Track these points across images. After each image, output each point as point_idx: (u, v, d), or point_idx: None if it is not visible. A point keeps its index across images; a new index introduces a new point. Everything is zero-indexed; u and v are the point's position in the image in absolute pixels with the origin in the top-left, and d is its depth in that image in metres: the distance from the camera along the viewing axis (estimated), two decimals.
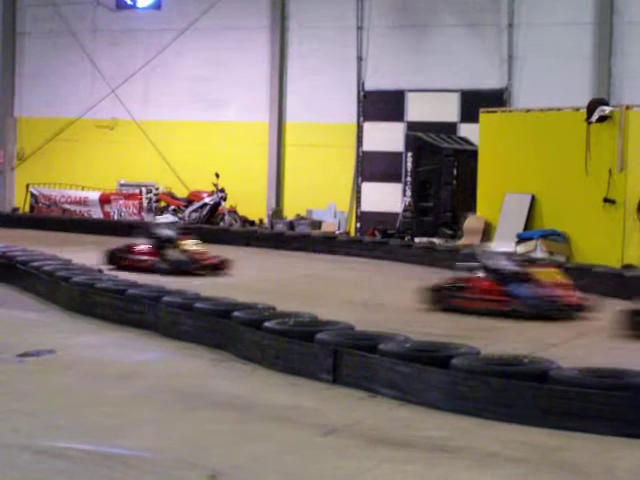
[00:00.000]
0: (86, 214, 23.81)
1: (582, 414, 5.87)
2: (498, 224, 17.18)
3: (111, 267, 13.55)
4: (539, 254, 15.66)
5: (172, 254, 13.78)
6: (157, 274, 13.13)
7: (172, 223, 15.71)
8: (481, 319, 10.54)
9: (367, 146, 22.15)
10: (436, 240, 18.29)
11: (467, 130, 20.58)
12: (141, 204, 23.33)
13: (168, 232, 14.39)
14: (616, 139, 15.67)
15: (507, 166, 17.37)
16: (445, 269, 15.48)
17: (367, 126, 22.16)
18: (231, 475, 4.94)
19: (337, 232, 21.17)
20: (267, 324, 7.76)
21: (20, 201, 25.52)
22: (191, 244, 14.21)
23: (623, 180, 15.57)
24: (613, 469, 5.24)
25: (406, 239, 18.95)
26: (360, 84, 22.13)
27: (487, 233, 17.40)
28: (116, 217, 23.39)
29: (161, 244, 14.08)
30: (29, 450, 5.20)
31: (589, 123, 15.92)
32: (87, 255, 14.51)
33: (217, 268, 13.96)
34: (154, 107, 24.54)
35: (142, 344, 8.62)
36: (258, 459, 5.22)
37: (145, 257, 14.09)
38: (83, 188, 24.45)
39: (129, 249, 14.38)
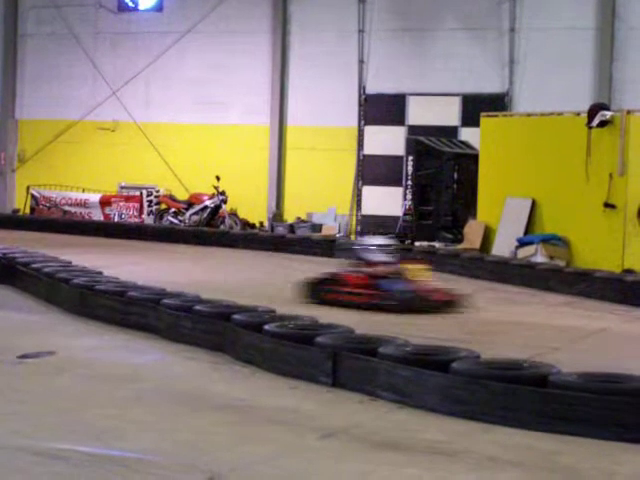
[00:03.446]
0: (86, 216, 23.82)
1: (581, 419, 5.87)
2: (498, 228, 17.18)
3: (310, 301, 11.49)
4: (539, 258, 15.67)
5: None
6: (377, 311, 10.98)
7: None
8: (480, 322, 10.56)
9: (368, 150, 22.15)
10: (436, 244, 18.29)
11: (468, 134, 20.59)
12: (141, 206, 23.34)
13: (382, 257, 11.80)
14: (617, 144, 15.67)
15: (508, 170, 17.37)
16: (445, 273, 15.56)
17: (368, 130, 22.17)
18: (230, 477, 4.94)
19: (337, 235, 21.17)
20: (267, 327, 7.76)
21: (21, 203, 25.52)
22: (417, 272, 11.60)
23: (624, 185, 15.57)
24: (613, 474, 5.24)
25: (406, 243, 18.94)
26: (361, 87, 22.14)
27: (487, 237, 17.41)
28: (116, 219, 23.41)
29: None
30: (28, 452, 5.20)
31: (590, 128, 15.92)
32: (88, 257, 14.52)
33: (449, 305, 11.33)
34: (155, 109, 24.56)
35: (142, 346, 8.62)
36: (257, 461, 5.22)
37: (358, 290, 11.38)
38: (84, 190, 24.47)
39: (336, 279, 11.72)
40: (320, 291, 11.55)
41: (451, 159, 19.29)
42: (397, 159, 21.64)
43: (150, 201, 23.46)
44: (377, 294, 11.12)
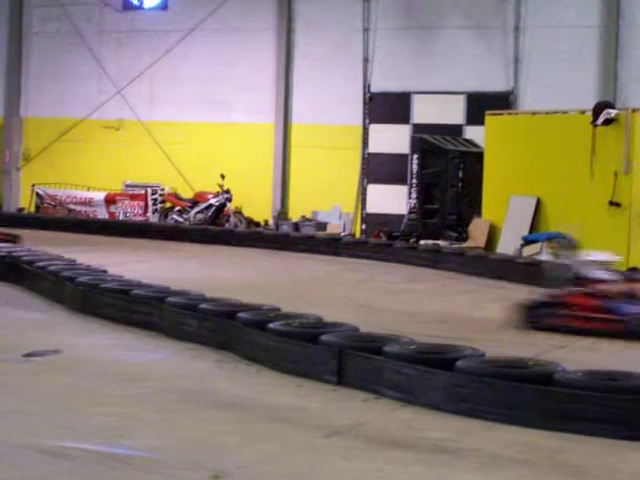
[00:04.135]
0: (91, 214, 23.84)
1: (586, 417, 5.87)
2: (503, 226, 17.19)
3: (528, 326, 10.05)
4: (544, 257, 15.66)
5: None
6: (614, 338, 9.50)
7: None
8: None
9: (373, 148, 22.14)
10: (441, 242, 18.28)
11: (473, 132, 20.58)
12: (146, 205, 23.36)
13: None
14: (622, 142, 15.67)
15: (513, 169, 17.37)
16: (450, 271, 15.55)
17: (373, 128, 22.16)
18: (235, 475, 4.95)
19: (342, 234, 21.17)
20: (272, 325, 7.76)
21: (25, 201, 25.54)
22: None
23: (629, 183, 15.58)
24: (617, 472, 5.24)
25: (411, 241, 18.94)
26: (366, 86, 22.13)
27: (492, 235, 17.41)
28: (121, 217, 23.43)
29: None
30: (34, 449, 5.21)
31: (595, 126, 15.92)
32: (92, 256, 14.54)
33: None
34: (160, 108, 24.56)
35: (147, 345, 8.62)
36: (262, 460, 5.22)
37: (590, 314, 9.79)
38: (89, 188, 24.47)
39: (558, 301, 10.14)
40: (539, 316, 10.02)
41: (456, 157, 19.29)
42: (402, 157, 21.62)
43: (155, 199, 23.47)
44: (614, 319, 9.55)
